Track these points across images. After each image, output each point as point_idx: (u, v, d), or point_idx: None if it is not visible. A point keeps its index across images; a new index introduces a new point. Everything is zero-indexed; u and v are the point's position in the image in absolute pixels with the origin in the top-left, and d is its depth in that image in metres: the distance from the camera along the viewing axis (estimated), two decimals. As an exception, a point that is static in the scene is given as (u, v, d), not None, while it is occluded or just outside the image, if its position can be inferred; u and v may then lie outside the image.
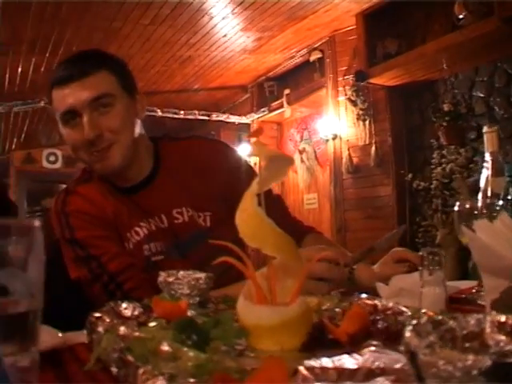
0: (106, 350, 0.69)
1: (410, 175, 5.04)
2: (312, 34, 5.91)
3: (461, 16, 4.31)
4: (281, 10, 5.15)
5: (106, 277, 1.45)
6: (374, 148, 5.46)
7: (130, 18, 4.98)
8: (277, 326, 0.72)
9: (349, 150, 5.76)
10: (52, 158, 9.50)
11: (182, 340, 0.68)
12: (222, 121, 7.43)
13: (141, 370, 0.56)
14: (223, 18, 5.22)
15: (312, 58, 6.20)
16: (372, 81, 5.25)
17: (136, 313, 0.96)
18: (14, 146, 8.93)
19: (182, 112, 7.03)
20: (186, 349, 0.63)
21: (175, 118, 7.13)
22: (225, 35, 5.62)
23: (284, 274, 0.79)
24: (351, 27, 5.58)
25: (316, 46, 6.17)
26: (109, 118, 1.48)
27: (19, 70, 5.92)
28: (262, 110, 7.07)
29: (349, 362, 0.59)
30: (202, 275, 1.09)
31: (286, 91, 6.66)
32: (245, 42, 5.87)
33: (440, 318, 0.51)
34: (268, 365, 0.51)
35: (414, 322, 0.51)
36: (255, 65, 6.64)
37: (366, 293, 0.99)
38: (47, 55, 5.62)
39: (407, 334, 0.49)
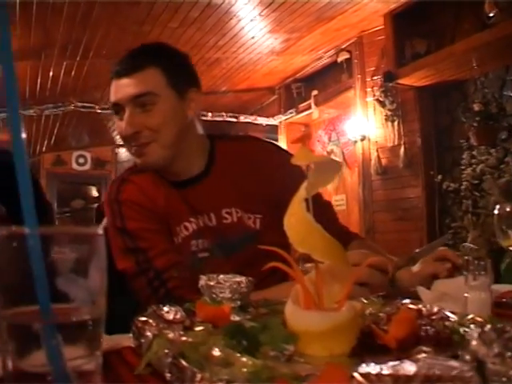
0: (157, 355, 0.69)
1: (439, 176, 4.99)
2: (340, 35, 5.88)
3: (491, 14, 4.26)
4: (309, 10, 5.14)
5: (152, 273, 1.46)
6: (402, 149, 5.42)
7: (158, 22, 5.02)
8: (326, 332, 0.72)
9: (377, 151, 5.73)
10: (81, 160, 9.62)
11: (232, 345, 0.68)
12: (249, 122, 7.44)
13: (198, 376, 0.56)
14: (251, 20, 5.23)
15: (340, 59, 6.17)
16: (400, 81, 5.21)
17: (178, 316, 0.97)
18: (44, 149, 9.05)
19: (209, 114, 7.06)
20: (238, 354, 0.63)
21: (203, 120, 7.15)
22: (253, 37, 5.63)
23: (331, 279, 0.79)
24: (379, 27, 5.55)
25: (344, 46, 6.14)
26: (149, 117, 1.50)
27: (50, 73, 6.00)
28: (290, 111, 7.06)
29: (404, 368, 0.59)
30: (243, 279, 1.10)
31: (314, 92, 6.64)
32: (272, 43, 5.87)
33: (502, 325, 0.51)
34: (329, 371, 0.51)
35: (479, 329, 0.51)
36: (283, 66, 6.64)
37: (408, 297, 0.98)
38: (78, 59, 5.70)
39: (473, 342, 0.48)
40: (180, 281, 1.45)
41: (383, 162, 5.68)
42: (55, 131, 8.18)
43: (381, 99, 5.64)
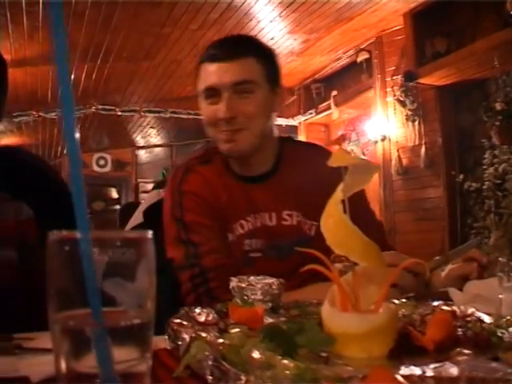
0: (196, 358, 0.69)
1: (461, 176, 4.95)
2: (359, 35, 5.87)
3: (512, 12, 4.22)
4: (328, 11, 5.14)
5: (198, 269, 1.48)
6: (423, 149, 5.39)
7: (179, 24, 5.05)
8: (365, 334, 0.72)
9: (398, 151, 5.70)
10: (102, 162, 9.71)
11: (271, 348, 0.68)
12: (269, 123, 7.43)
13: (243, 379, 0.56)
14: (271, 21, 5.24)
15: (359, 59, 6.16)
16: (421, 81, 5.18)
17: (210, 318, 0.97)
18: (65, 151, 9.13)
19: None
20: (279, 357, 0.63)
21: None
22: (272, 38, 5.63)
23: (366, 281, 0.79)
24: (399, 27, 5.53)
25: (363, 46, 6.12)
26: (246, 104, 1.52)
27: (72, 77, 6.06)
28: (309, 111, 7.06)
29: (446, 370, 0.59)
30: (275, 280, 1.10)
31: (334, 93, 6.63)
32: (292, 44, 5.87)
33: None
34: (375, 373, 0.51)
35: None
36: (302, 67, 6.63)
37: (440, 299, 0.98)
38: (98, 62, 5.75)
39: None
40: (222, 282, 1.46)
41: (404, 162, 5.65)
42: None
43: (401, 99, 5.62)
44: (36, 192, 1.55)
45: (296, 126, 7.37)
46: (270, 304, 1.07)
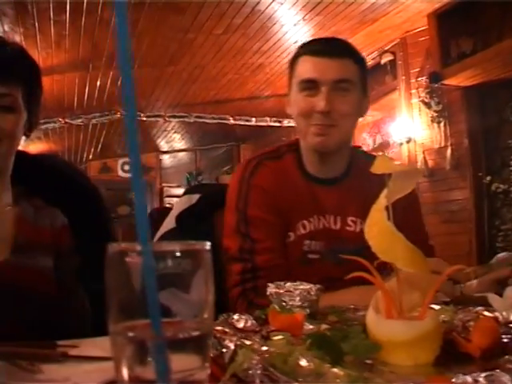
0: (242, 366, 0.70)
1: (488, 178, 4.90)
2: (383, 37, 5.84)
3: (540, 11, 4.17)
4: (352, 13, 5.12)
5: (250, 264, 1.50)
6: (449, 150, 5.34)
7: (203, 29, 5.08)
8: (411, 341, 0.71)
9: (424, 153, 5.65)
10: (126, 167, 9.78)
11: (318, 355, 0.68)
12: (293, 127, 7.43)
13: (296, 387, 0.56)
14: (294, 25, 5.24)
15: (383, 61, 6.12)
16: (447, 82, 5.12)
17: (248, 324, 0.97)
18: (91, 156, 9.25)
19: (253, 119, 7.10)
20: (327, 365, 0.63)
21: (246, 125, 7.20)
22: (296, 41, 5.62)
23: (410, 287, 0.78)
24: (423, 28, 5.48)
25: (387, 48, 6.09)
26: (343, 102, 1.57)
27: (98, 83, 6.13)
28: (333, 114, 7.03)
29: (499, 379, 0.58)
30: (312, 286, 1.10)
31: (358, 94, 6.59)
32: (315, 47, 5.86)
33: None
34: (433, 381, 0.51)
35: None
36: (326, 70, 6.61)
37: (481, 305, 0.97)
38: (124, 68, 5.79)
39: None
40: (272, 282, 1.47)
41: (430, 163, 5.60)
42: (101, 139, 8.35)
43: (426, 100, 5.57)
44: (70, 199, 1.57)
45: (320, 129, 7.35)
46: (307, 310, 1.07)
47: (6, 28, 4.58)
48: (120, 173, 9.65)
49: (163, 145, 9.72)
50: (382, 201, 0.75)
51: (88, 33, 4.84)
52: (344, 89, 1.56)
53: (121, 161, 9.74)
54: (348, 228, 1.62)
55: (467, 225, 5.19)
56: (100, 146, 8.77)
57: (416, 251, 0.74)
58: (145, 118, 6.91)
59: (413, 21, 5.46)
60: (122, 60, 0.43)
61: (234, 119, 7.02)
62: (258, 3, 4.68)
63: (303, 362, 0.65)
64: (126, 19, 0.43)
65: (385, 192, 0.75)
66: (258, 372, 0.65)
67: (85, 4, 4.31)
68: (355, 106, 1.60)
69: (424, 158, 5.63)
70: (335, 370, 0.61)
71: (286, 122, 7.34)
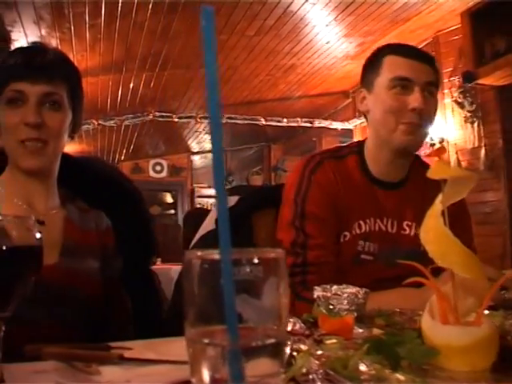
0: (301, 370, 0.70)
1: (523, 178, 4.83)
2: (415, 36, 5.79)
3: None
4: (384, 13, 5.09)
5: (301, 259, 1.54)
6: (483, 151, 5.26)
7: (236, 30, 5.09)
8: (468, 346, 0.72)
9: (457, 153, 5.58)
10: (158, 168, 9.89)
11: (377, 360, 0.69)
12: (323, 127, 7.43)
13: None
14: (326, 25, 5.23)
15: (415, 61, 6.07)
16: (480, 81, 5.05)
17: (297, 327, 0.98)
18: (123, 157, 9.34)
19: (284, 120, 7.11)
20: (387, 370, 0.64)
21: (277, 126, 7.20)
22: (327, 42, 5.62)
23: (465, 293, 0.78)
24: (455, 26, 5.42)
25: (419, 47, 6.03)
26: (430, 103, 1.63)
27: (131, 85, 6.19)
28: (365, 115, 7.00)
29: None
30: (359, 290, 1.10)
31: (389, 95, 6.55)
32: (347, 47, 5.84)
33: None
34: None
35: None
36: (357, 70, 6.53)
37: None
38: (157, 71, 5.86)
39: None
40: (320, 278, 1.49)
41: (463, 164, 5.53)
42: (134, 140, 8.43)
43: (459, 100, 5.50)
44: (113, 201, 1.59)
45: (351, 130, 7.33)
46: (355, 313, 1.08)
47: (43, 32, 4.66)
48: (151, 173, 9.75)
49: (194, 145, 9.78)
50: (438, 206, 0.75)
51: (122, 36, 4.90)
52: (430, 91, 1.62)
53: (152, 161, 9.84)
54: (403, 232, 1.65)
55: (501, 227, 5.11)
56: (132, 147, 8.86)
57: (472, 257, 0.74)
58: (177, 120, 6.95)
59: (445, 19, 5.40)
60: (208, 69, 0.44)
61: (266, 120, 7.03)
62: (291, 4, 4.68)
63: (363, 367, 0.66)
64: (214, 27, 0.44)
65: (440, 197, 0.76)
66: (320, 376, 0.66)
67: (119, 7, 4.36)
68: (436, 109, 1.66)
69: (457, 158, 5.56)
70: (398, 375, 0.62)
71: (316, 123, 7.33)
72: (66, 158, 1.46)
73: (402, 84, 1.61)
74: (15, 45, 4.71)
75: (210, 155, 10.41)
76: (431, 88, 1.63)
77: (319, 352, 0.76)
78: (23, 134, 1.27)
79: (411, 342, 0.76)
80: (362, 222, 1.61)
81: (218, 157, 0.45)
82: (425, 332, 0.77)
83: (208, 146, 9.94)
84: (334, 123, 7.37)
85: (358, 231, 1.61)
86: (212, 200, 9.99)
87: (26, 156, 1.29)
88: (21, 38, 4.72)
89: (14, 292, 0.75)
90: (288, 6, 4.72)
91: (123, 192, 1.68)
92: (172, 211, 10.47)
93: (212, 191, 10.21)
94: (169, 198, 10.63)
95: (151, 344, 1.01)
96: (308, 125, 7.31)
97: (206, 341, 0.47)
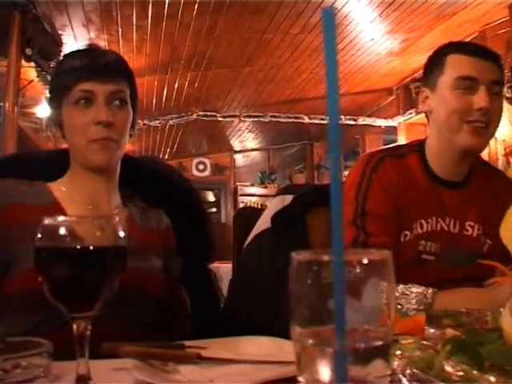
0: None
1: None
2: (461, 31, 5.70)
3: None
4: (430, 8, 5.03)
5: None
6: (533, 147, 5.16)
7: (280, 29, 5.11)
8: (554, 348, 0.71)
9: (505, 150, 5.48)
10: (201, 167, 9.97)
11: (462, 361, 0.68)
12: (367, 125, 7.37)
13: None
14: (371, 22, 5.19)
15: (461, 57, 5.96)
16: (530, 75, 4.95)
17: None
18: (167, 156, 9.44)
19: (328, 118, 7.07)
20: (476, 372, 0.64)
21: (320, 124, 7.18)
22: (372, 39, 5.58)
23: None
24: (503, 19, 5.31)
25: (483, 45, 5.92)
26: (497, 103, 1.60)
27: (176, 85, 6.27)
28: (409, 111, 6.93)
29: None
30: (428, 289, 1.10)
31: (434, 91, 6.46)
32: (392, 44, 5.79)
33: None
34: None
35: None
36: (401, 66, 6.52)
37: None
38: (201, 70, 5.91)
39: None
40: None
41: (512, 161, 5.43)
42: (177, 140, 8.52)
43: (508, 95, 5.39)
44: (172, 200, 1.61)
45: (395, 127, 7.26)
46: (423, 313, 1.07)
47: (92, 35, 4.76)
48: (194, 172, 9.81)
49: (236, 144, 9.83)
50: (521, 206, 0.74)
51: (168, 36, 4.96)
52: (496, 91, 1.58)
53: (195, 160, 9.92)
54: (465, 232, 1.62)
55: None
56: (176, 146, 8.96)
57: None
58: (221, 119, 7.01)
59: (493, 13, 5.31)
60: (329, 71, 0.45)
61: (309, 118, 7.02)
62: (335, 2, 4.66)
63: (449, 368, 0.66)
64: (334, 29, 0.45)
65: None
66: (408, 377, 0.66)
67: (166, 9, 4.42)
68: (502, 108, 1.62)
69: (505, 155, 5.46)
70: (488, 376, 0.62)
71: (360, 120, 7.28)
72: (124, 157, 1.47)
73: (467, 84, 1.57)
74: (66, 48, 4.82)
75: (251, 154, 10.46)
76: (497, 87, 1.59)
77: (398, 352, 0.76)
78: (95, 134, 1.29)
79: (493, 343, 0.75)
80: (423, 222, 1.59)
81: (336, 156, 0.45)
82: (507, 333, 0.76)
83: (250, 144, 9.97)
84: (377, 120, 7.31)
85: (419, 231, 1.58)
86: (255, 198, 10.03)
87: (96, 152, 1.30)
88: (71, 42, 4.84)
89: (100, 292, 0.76)
90: (332, 4, 4.70)
91: (182, 191, 1.69)
92: (214, 209, 10.53)
93: (254, 189, 10.26)
94: (211, 197, 10.69)
95: (225, 343, 1.02)
96: (352, 122, 7.26)
97: (314, 341, 0.48)
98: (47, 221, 0.75)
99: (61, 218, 0.76)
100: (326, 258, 0.47)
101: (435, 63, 1.67)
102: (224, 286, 1.93)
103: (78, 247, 0.74)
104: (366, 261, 0.49)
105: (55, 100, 1.36)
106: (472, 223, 1.63)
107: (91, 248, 0.75)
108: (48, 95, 1.43)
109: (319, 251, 0.48)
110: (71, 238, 0.75)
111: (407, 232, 1.57)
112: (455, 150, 1.62)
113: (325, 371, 0.48)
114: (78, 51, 1.40)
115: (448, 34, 5.70)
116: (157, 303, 1.37)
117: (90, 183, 1.37)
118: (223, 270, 3.53)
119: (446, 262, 1.58)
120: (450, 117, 1.59)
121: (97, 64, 1.31)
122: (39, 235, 0.75)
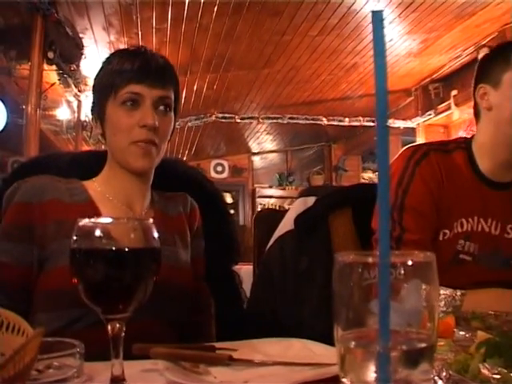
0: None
1: None
2: (480, 31, 5.65)
3: None
4: (449, 8, 4.99)
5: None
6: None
7: (299, 31, 5.11)
8: None
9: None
10: (219, 169, 9.99)
11: (498, 363, 0.68)
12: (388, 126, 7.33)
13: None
14: (390, 23, 5.17)
15: (480, 56, 5.91)
16: (551, 75, 4.88)
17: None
18: (185, 158, 9.47)
19: (346, 119, 7.07)
20: (512, 373, 0.64)
21: (338, 126, 7.17)
22: (391, 40, 5.55)
23: None
24: (524, 19, 5.27)
25: (484, 42, 5.87)
26: None
27: (195, 87, 6.29)
28: (428, 113, 6.88)
29: None
30: (457, 291, 1.10)
31: (453, 92, 6.42)
32: (410, 44, 5.76)
33: None
34: None
35: None
36: (420, 67, 6.49)
37: None
38: (220, 72, 5.93)
39: None
40: None
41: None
42: (196, 141, 8.55)
43: None
44: (197, 202, 1.62)
45: (414, 128, 7.22)
46: (452, 315, 1.07)
47: (112, 38, 4.80)
48: (212, 174, 9.83)
49: (254, 146, 9.84)
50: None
51: (187, 38, 4.99)
52: None
53: (213, 162, 9.94)
54: (506, 235, 1.58)
55: None
56: (194, 148, 8.99)
57: None
58: (239, 120, 7.02)
59: (513, 12, 5.26)
60: (378, 73, 0.45)
61: (328, 120, 7.01)
62: (354, 3, 4.66)
63: (485, 371, 0.66)
64: (383, 31, 0.45)
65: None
66: (444, 380, 0.66)
67: (185, 11, 4.44)
68: None
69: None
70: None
71: (379, 122, 7.25)
72: None
73: None
74: (87, 51, 4.87)
75: (269, 155, 10.46)
76: None
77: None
78: (139, 136, 1.30)
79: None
80: (464, 220, 1.55)
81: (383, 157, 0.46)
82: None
83: (268, 146, 9.98)
84: (396, 122, 7.27)
85: (459, 229, 1.55)
86: (273, 200, 10.03)
87: (138, 156, 1.31)
88: (91, 45, 4.88)
89: (135, 294, 0.77)
90: (351, 5, 4.70)
91: (207, 193, 1.70)
92: (232, 211, 10.54)
93: (272, 191, 10.26)
94: (229, 199, 10.70)
95: (254, 345, 1.02)
96: (370, 124, 7.24)
97: (357, 343, 0.48)
98: (82, 222, 0.76)
99: (96, 220, 0.77)
100: (370, 259, 0.48)
101: (499, 59, 1.59)
102: (245, 288, 1.94)
103: (114, 249, 0.75)
104: (410, 262, 0.49)
105: (100, 98, 1.36)
106: None
107: (126, 250, 0.75)
108: (92, 92, 1.42)
109: (362, 253, 0.48)
110: (106, 239, 0.75)
111: (446, 230, 1.54)
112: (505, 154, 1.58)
113: (369, 373, 0.48)
114: (128, 52, 1.39)
115: (467, 34, 5.66)
116: (185, 298, 1.37)
117: (127, 184, 1.38)
118: (244, 271, 3.53)
119: (484, 263, 1.55)
120: (504, 126, 1.54)
121: (148, 68, 1.32)
122: (74, 237, 0.76)
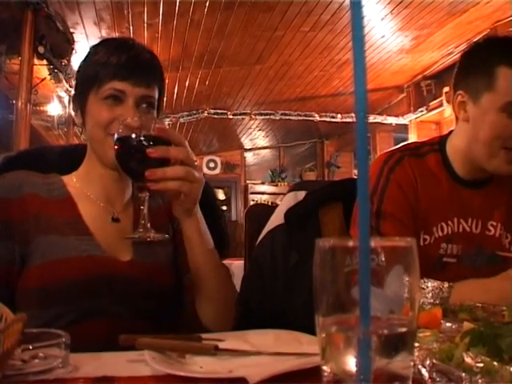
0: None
1: None
2: (472, 28, 5.68)
3: None
4: (441, 5, 5.01)
5: None
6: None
7: (291, 27, 5.12)
8: None
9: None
10: (212, 165, 9.99)
11: (481, 353, 0.68)
12: (377, 123, 7.35)
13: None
14: (382, 19, 5.18)
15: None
16: (543, 73, 4.90)
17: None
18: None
19: (339, 116, 7.07)
20: (496, 363, 0.64)
21: (331, 122, 7.18)
22: (382, 36, 5.57)
23: None
24: (515, 16, 5.30)
25: (476, 39, 5.89)
26: None
27: (186, 83, 6.28)
28: (420, 109, 6.91)
29: None
30: (444, 284, 1.10)
31: (445, 89, 6.44)
32: (402, 41, 5.78)
33: None
34: None
35: None
36: (412, 64, 6.51)
37: None
38: (212, 68, 5.93)
39: None
40: None
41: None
42: (188, 137, 8.54)
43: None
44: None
45: (406, 125, 7.24)
46: (439, 307, 1.07)
47: (103, 33, 4.78)
48: (205, 170, 9.81)
49: (247, 142, 9.84)
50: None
51: (179, 34, 4.98)
52: None
53: (206, 158, 9.94)
54: (488, 233, 1.57)
55: None
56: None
57: None
58: (231, 116, 7.02)
59: (504, 9, 5.28)
60: (357, 67, 0.45)
61: (320, 116, 7.02)
62: (346, -1, 4.67)
63: (468, 359, 0.66)
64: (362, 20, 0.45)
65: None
66: (428, 368, 0.66)
67: (177, 7, 4.43)
68: None
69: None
70: (510, 368, 0.62)
71: (371, 118, 7.26)
72: None
73: None
74: (78, 46, 4.85)
75: (262, 152, 10.46)
76: None
77: (416, 344, 0.76)
78: (116, 129, 1.28)
79: (511, 336, 0.75)
80: (443, 224, 1.53)
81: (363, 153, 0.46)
82: (526, 325, 0.76)
83: (260, 142, 9.99)
84: (388, 118, 7.29)
85: (440, 233, 1.53)
86: (265, 196, 10.04)
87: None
88: (82, 40, 4.86)
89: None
90: (343, 1, 4.70)
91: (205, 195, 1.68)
92: (224, 207, 10.53)
93: (264, 187, 10.27)
94: (221, 195, 10.70)
95: (241, 335, 1.01)
96: (363, 120, 7.25)
97: (338, 328, 0.48)
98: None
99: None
100: (350, 244, 0.47)
101: (480, 69, 1.49)
102: (236, 282, 1.93)
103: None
104: (390, 247, 0.49)
105: (83, 88, 1.34)
106: (494, 223, 1.58)
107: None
108: (75, 79, 1.40)
109: (344, 239, 0.48)
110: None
111: (427, 236, 1.53)
112: (483, 166, 1.54)
113: (349, 359, 0.48)
114: (116, 43, 1.37)
115: (459, 31, 5.68)
116: (167, 295, 1.36)
117: (105, 180, 1.36)
118: (235, 266, 3.53)
119: (468, 263, 1.54)
120: (491, 141, 1.48)
121: (134, 64, 1.30)
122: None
